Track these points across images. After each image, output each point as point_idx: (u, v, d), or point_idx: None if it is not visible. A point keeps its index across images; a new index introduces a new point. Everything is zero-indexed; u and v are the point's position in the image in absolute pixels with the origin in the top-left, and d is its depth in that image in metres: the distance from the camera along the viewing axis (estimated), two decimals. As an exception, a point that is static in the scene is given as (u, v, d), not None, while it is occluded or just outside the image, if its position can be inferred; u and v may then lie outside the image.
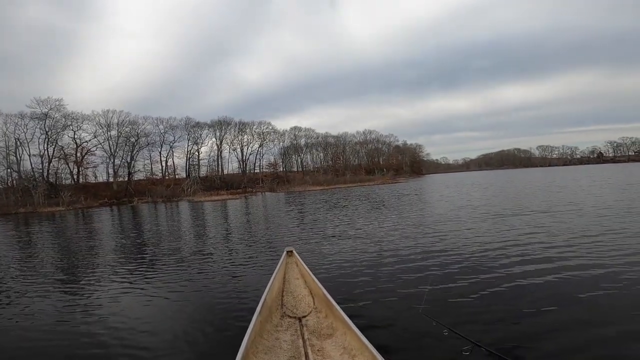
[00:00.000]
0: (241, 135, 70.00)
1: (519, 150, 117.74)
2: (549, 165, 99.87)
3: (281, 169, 73.91)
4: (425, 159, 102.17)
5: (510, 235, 8.11)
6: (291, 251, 4.96)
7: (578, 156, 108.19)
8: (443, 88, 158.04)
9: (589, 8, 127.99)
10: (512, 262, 5.84)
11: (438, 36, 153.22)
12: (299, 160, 78.88)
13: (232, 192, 48.27)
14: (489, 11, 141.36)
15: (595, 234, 7.54)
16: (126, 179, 58.32)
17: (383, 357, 2.20)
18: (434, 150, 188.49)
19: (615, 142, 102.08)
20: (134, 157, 59.74)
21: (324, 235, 9.72)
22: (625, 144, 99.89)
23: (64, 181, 53.30)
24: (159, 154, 63.99)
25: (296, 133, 77.79)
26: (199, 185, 52.48)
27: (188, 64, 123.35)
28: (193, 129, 65.17)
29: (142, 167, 62.51)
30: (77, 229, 17.31)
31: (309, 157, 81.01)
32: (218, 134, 67.67)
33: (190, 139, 65.41)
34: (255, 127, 71.02)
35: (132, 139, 58.92)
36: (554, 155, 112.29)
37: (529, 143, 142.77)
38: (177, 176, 64.57)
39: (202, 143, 66.62)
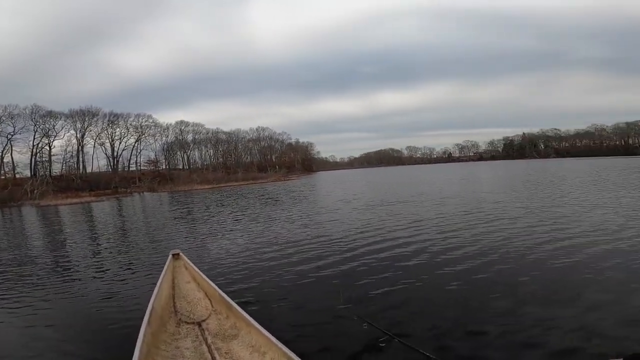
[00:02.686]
0: (112, 128, 60.05)
1: (393, 150, 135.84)
2: (415, 164, 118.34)
3: (164, 167, 66.70)
4: (316, 156, 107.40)
5: (400, 223, 9.33)
6: (177, 254, 4.59)
7: (435, 156, 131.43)
8: (334, 90, 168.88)
9: (456, 29, 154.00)
10: (398, 250, 6.71)
11: (336, 41, 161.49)
12: (186, 157, 72.71)
13: (98, 194, 40.94)
14: (383, 22, 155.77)
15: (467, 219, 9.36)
16: None
17: (292, 351, 2.23)
18: (324, 148, 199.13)
19: (460, 144, 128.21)
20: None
21: (216, 236, 9.23)
22: (467, 146, 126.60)
23: None
24: (-12, 147, 49.30)
25: (182, 128, 71.17)
26: (50, 186, 42.69)
27: (51, 45, 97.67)
28: (43, 118, 52.41)
29: (-39, 164, 47.14)
30: None
31: (196, 154, 75.49)
32: (79, 125, 56.34)
33: (39, 130, 52.54)
34: (131, 119, 61.83)
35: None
36: (418, 155, 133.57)
37: (401, 144, 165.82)
38: (17, 175, 51.04)
39: (55, 136, 54.30)
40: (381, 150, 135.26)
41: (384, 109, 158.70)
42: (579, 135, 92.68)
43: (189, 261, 4.38)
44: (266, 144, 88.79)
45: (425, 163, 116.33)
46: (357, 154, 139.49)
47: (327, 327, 3.47)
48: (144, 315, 2.82)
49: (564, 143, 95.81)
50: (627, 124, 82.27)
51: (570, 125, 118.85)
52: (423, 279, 4.68)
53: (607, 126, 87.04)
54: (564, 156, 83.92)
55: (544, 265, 4.94)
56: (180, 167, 70.56)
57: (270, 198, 21.42)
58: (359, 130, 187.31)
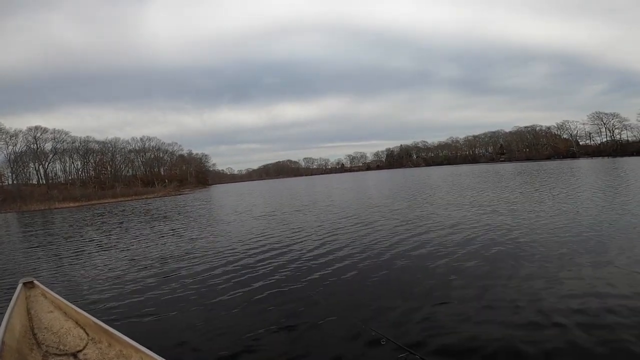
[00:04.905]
0: None
1: (290, 161, 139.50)
2: (312, 174, 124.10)
3: (10, 182, 53.26)
4: (211, 169, 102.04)
5: (285, 232, 9.49)
6: (31, 282, 3.92)
7: (329, 167, 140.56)
8: (234, 100, 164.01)
9: (353, 47, 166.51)
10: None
11: (240, 50, 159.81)
12: (42, 170, 59.61)
13: None
14: (286, 36, 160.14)
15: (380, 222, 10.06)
16: None
17: None
18: (220, 160, 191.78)
19: (351, 155, 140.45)
20: None
21: (85, 258, 7.99)
22: (357, 157, 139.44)
23: None
24: None
25: (38, 135, 58.47)
26: None
27: None
28: None
29: None
30: None
31: (58, 166, 62.83)
32: None
33: None
34: (-44, 122, 47.63)
35: None
36: (314, 166, 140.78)
37: (298, 155, 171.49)
38: None
39: None
40: (279, 162, 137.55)
41: (284, 120, 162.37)
42: (440, 146, 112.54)
43: (47, 289, 3.83)
44: (153, 156, 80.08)
45: (321, 174, 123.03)
46: (255, 166, 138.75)
47: (216, 340, 3.44)
48: None
49: (430, 153, 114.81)
50: (474, 136, 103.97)
51: (435, 138, 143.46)
52: (307, 280, 5.00)
53: (460, 138, 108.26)
54: (430, 165, 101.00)
55: (411, 253, 6.01)
56: (36, 182, 57.58)
57: (155, 214, 19.39)
58: (260, 141, 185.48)
